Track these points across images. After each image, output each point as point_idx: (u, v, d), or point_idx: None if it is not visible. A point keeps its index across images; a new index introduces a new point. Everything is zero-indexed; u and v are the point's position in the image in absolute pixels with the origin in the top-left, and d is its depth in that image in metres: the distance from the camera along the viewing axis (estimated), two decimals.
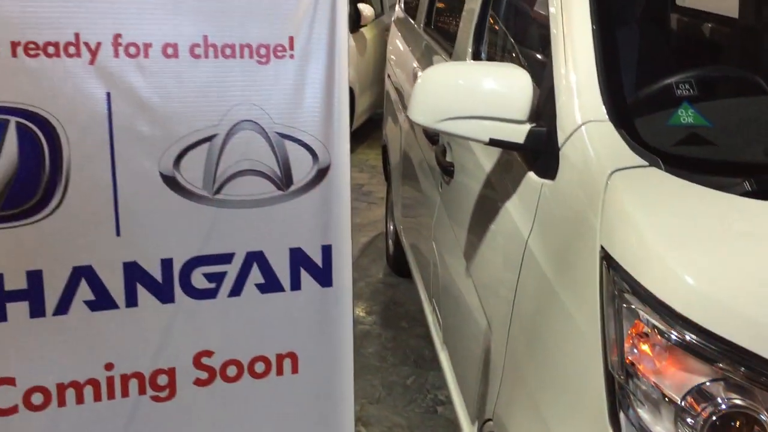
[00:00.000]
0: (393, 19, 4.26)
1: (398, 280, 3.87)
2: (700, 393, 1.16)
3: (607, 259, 1.29)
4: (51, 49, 1.06)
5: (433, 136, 2.62)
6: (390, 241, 4.06)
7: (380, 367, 3.16)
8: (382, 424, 2.61)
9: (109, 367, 1.19)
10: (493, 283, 1.90)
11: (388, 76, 3.94)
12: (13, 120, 1.07)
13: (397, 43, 3.71)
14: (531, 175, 1.68)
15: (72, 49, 1.07)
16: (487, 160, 2.00)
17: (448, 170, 2.33)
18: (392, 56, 3.80)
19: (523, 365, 1.60)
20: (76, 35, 1.07)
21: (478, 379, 2.01)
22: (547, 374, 1.49)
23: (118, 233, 1.15)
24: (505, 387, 1.71)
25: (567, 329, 1.42)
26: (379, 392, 2.96)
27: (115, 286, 1.16)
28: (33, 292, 1.12)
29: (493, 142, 1.51)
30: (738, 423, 1.12)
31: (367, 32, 5.20)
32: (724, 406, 1.12)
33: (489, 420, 1.83)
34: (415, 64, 3.10)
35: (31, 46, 1.05)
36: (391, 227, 3.96)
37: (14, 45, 1.05)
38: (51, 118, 1.08)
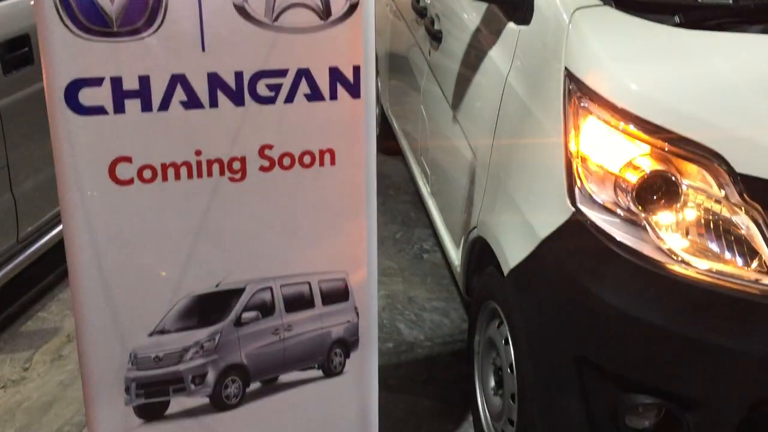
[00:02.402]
0: None
1: (385, 158, 4.28)
2: (632, 165, 1.59)
3: (569, 75, 1.71)
4: None
5: (421, 11, 2.98)
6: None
7: None
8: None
9: (198, 153, 1.58)
10: (478, 119, 2.31)
11: None
12: None
13: None
14: (510, 24, 2.08)
15: None
16: (472, 22, 2.38)
17: (436, 36, 2.70)
18: None
19: (502, 174, 2.02)
20: None
21: (464, 203, 2.44)
22: (522, 173, 1.91)
23: (203, 49, 1.53)
24: (487, 197, 2.14)
25: (537, 134, 1.84)
26: None
27: (202, 91, 1.54)
28: (143, 92, 1.50)
29: None
30: (657, 184, 1.56)
31: None
32: (648, 172, 1.56)
33: (473, 228, 2.27)
34: None
35: None
36: (378, 110, 4.32)
37: None
38: None
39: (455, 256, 2.65)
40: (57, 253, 3.26)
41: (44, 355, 2.81)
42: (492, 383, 2.26)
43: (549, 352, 1.72)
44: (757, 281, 1.50)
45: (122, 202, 1.55)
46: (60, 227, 3.33)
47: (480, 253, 2.30)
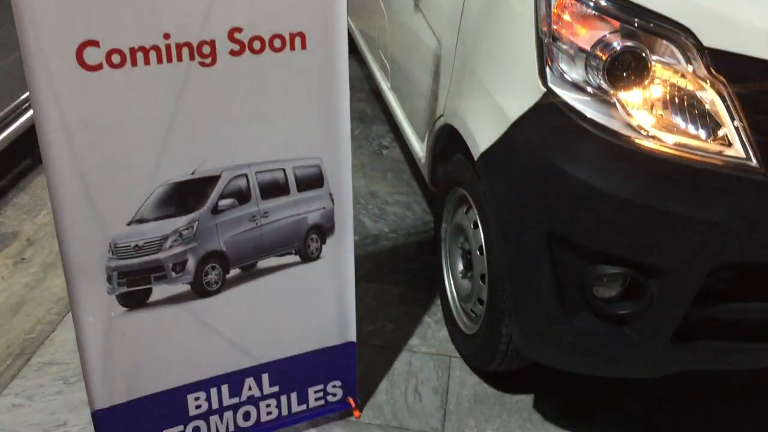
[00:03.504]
0: None
1: None
2: (602, 42, 1.61)
3: None
4: None
5: None
6: None
7: None
8: None
9: (166, 36, 1.53)
10: (442, 5, 2.27)
11: None
12: None
13: None
14: None
15: None
16: None
17: None
18: None
19: (470, 59, 2.02)
20: None
21: (428, 93, 2.45)
22: (491, 57, 1.92)
23: None
24: (454, 84, 2.15)
25: (507, 16, 1.84)
26: None
27: None
28: None
29: None
30: (627, 61, 1.58)
31: None
32: (618, 49, 1.58)
33: (440, 117, 2.28)
34: None
35: None
36: None
37: None
38: None
39: (419, 148, 2.68)
40: (8, 158, 3.18)
41: (6, 259, 2.78)
42: (460, 267, 2.34)
43: (521, 230, 1.78)
44: (720, 153, 1.56)
45: (92, 88, 1.51)
46: (7, 132, 3.23)
47: (446, 141, 2.33)
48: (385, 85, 3.17)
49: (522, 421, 2.14)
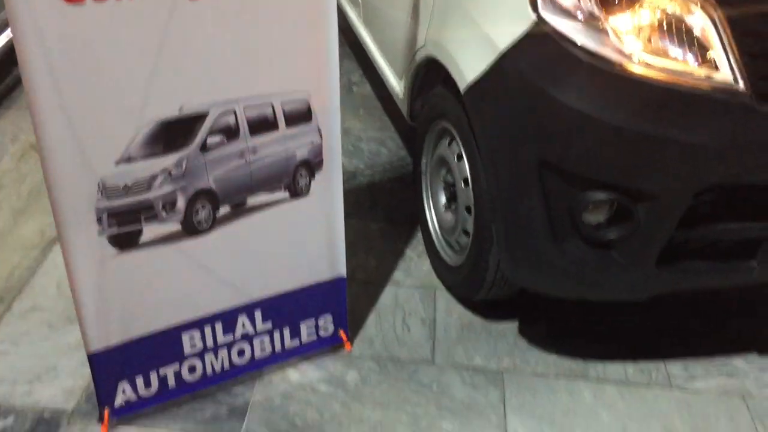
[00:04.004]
0: None
1: None
2: None
3: None
4: None
5: None
6: None
7: None
8: None
9: None
10: None
11: None
12: None
13: None
14: None
15: None
16: None
17: None
18: None
19: None
20: None
21: (407, 26, 2.41)
22: None
23: None
24: (436, 15, 2.12)
25: None
26: None
27: None
28: None
29: None
30: None
31: None
32: None
33: (420, 48, 2.26)
34: None
35: None
36: None
37: None
38: None
39: (396, 83, 2.65)
40: None
41: None
42: (443, 200, 2.36)
43: (511, 160, 1.80)
44: (708, 77, 1.59)
45: (76, 23, 1.45)
46: None
47: (427, 74, 2.31)
48: (356, 19, 3.11)
49: (509, 347, 2.20)
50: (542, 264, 1.86)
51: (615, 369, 2.15)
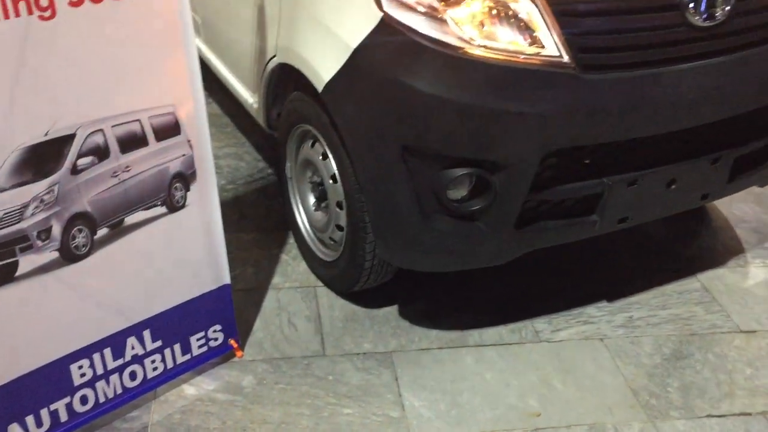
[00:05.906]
0: None
1: None
2: None
3: None
4: None
5: None
6: None
7: None
8: None
9: None
10: None
11: None
12: None
13: None
14: None
15: None
16: None
17: None
18: None
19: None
20: None
21: (254, 38, 2.49)
22: None
23: None
24: (284, 23, 2.22)
25: None
26: None
27: None
28: None
29: None
30: None
31: None
32: None
33: (272, 58, 2.35)
34: None
35: None
36: None
37: None
38: None
39: (249, 96, 2.72)
40: None
41: None
42: (312, 201, 2.45)
43: (375, 149, 1.92)
44: (537, 54, 1.80)
45: None
46: None
47: (280, 82, 2.40)
48: (197, 39, 3.13)
49: (392, 329, 2.33)
50: (415, 243, 2.00)
51: (490, 333, 2.33)
